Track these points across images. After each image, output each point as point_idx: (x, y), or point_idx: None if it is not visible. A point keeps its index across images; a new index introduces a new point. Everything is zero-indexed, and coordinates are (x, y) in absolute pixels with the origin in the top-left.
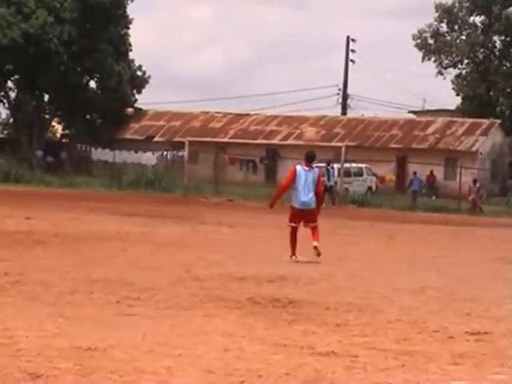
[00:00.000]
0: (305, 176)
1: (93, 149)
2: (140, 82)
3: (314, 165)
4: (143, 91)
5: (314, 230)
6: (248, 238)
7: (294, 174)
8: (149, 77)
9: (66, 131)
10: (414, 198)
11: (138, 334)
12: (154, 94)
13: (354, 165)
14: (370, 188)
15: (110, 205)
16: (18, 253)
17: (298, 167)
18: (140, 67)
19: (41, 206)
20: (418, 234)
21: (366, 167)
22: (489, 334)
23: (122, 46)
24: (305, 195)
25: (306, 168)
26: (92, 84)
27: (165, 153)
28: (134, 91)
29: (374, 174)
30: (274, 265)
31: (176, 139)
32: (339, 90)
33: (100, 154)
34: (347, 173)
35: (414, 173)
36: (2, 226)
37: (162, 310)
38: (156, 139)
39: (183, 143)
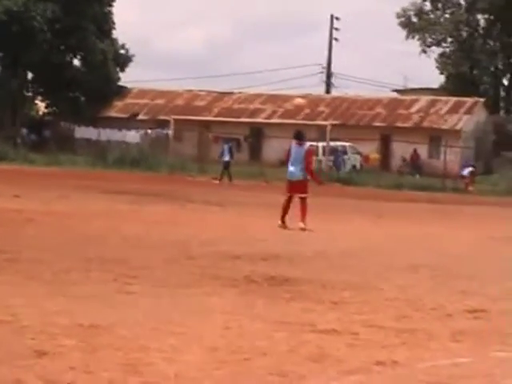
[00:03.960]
0: (295, 151)
1: (76, 127)
2: (124, 60)
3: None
4: (127, 69)
5: (302, 203)
6: (238, 216)
7: (289, 150)
8: (132, 55)
9: (50, 109)
10: None
11: (139, 312)
12: (137, 72)
13: (338, 143)
14: (354, 166)
15: (97, 183)
16: (10, 231)
17: (292, 144)
18: (123, 45)
19: (28, 184)
20: (406, 212)
21: (350, 146)
22: (486, 312)
23: (105, 24)
24: (292, 166)
25: (298, 145)
26: (76, 62)
27: (149, 131)
28: (118, 69)
29: (359, 153)
30: (266, 243)
31: (160, 117)
32: (323, 68)
33: (84, 131)
34: (332, 151)
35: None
36: None
37: (160, 288)
38: (140, 117)
39: (168, 121)
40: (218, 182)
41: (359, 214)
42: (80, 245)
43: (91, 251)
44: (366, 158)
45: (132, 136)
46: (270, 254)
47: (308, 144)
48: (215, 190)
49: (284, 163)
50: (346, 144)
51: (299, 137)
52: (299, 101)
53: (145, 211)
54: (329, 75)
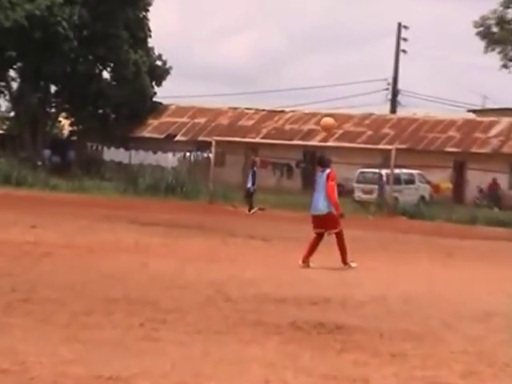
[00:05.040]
0: (317, 180)
1: (105, 148)
2: (160, 73)
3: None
4: (164, 83)
5: (338, 240)
6: (285, 252)
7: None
8: (170, 67)
9: (75, 128)
10: None
11: (166, 362)
12: (176, 87)
13: (404, 171)
14: (423, 197)
15: (126, 212)
16: (25, 266)
17: (318, 173)
18: (160, 56)
19: (47, 213)
20: (481, 251)
21: (418, 174)
22: None
23: (139, 32)
24: (315, 199)
25: (320, 172)
26: (105, 74)
27: (187, 154)
28: (153, 83)
29: (428, 182)
30: (316, 285)
31: (200, 138)
32: (388, 84)
33: (113, 154)
34: (397, 180)
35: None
36: (4, 236)
37: (192, 335)
38: (178, 138)
39: (209, 143)
40: (248, 212)
41: (426, 252)
42: (102, 283)
43: (115, 291)
44: (436, 188)
45: (168, 159)
46: (319, 297)
47: (329, 170)
48: (261, 222)
49: (339, 193)
50: (414, 172)
51: (321, 163)
52: (326, 121)
53: (178, 246)
54: (395, 92)
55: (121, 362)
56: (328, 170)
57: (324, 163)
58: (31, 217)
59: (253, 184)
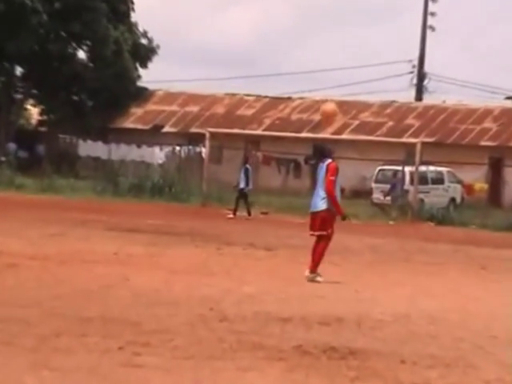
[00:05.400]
0: (318, 174)
1: (80, 141)
2: (145, 53)
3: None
4: (149, 65)
5: (318, 244)
6: (290, 263)
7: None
8: (157, 46)
9: (45, 117)
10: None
11: None
12: (163, 70)
13: (432, 168)
14: (453, 200)
15: (105, 217)
16: None
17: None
18: (145, 33)
19: (11, 217)
20: None
21: (448, 172)
22: None
23: (120, 4)
24: (313, 196)
25: (321, 164)
26: (81, 54)
27: (177, 148)
28: (137, 65)
29: (460, 182)
30: (326, 302)
31: (192, 130)
32: (413, 67)
33: (90, 148)
34: (423, 179)
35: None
36: None
37: (180, 361)
38: (166, 130)
39: (202, 135)
40: (232, 215)
41: (456, 263)
42: (76, 300)
43: (90, 309)
44: (468, 189)
45: (154, 155)
46: (330, 316)
47: (329, 160)
48: (264, 228)
49: (356, 194)
50: (443, 170)
51: (320, 153)
52: (326, 107)
53: (166, 256)
54: (421, 76)
55: None
56: (328, 161)
57: (323, 153)
58: None
59: (247, 184)
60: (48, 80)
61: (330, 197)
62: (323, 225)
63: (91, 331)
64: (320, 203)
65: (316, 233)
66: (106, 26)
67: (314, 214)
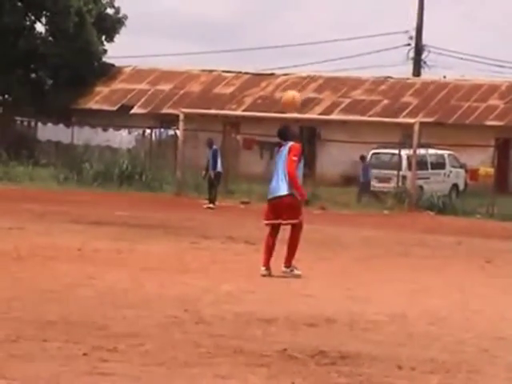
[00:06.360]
0: (278, 157)
1: (40, 124)
2: (111, 25)
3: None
4: (116, 38)
5: (292, 234)
6: (274, 259)
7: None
8: (124, 17)
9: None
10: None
11: None
12: (132, 44)
13: (431, 151)
14: (455, 186)
15: (67, 208)
16: None
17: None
18: (111, 2)
19: None
20: None
21: (449, 155)
22: None
23: None
24: (273, 180)
25: (281, 147)
26: (39, 27)
27: (148, 131)
28: (103, 38)
29: (462, 166)
30: (314, 301)
31: (165, 111)
32: (410, 38)
33: (50, 131)
34: (422, 163)
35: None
36: None
37: (152, 367)
38: (135, 110)
39: (176, 117)
40: (213, 206)
41: (459, 257)
42: (35, 302)
43: (51, 311)
44: (473, 174)
45: (122, 139)
46: (319, 316)
47: (291, 143)
48: (244, 219)
49: (348, 180)
50: (444, 152)
51: (282, 134)
52: (286, 96)
53: (136, 251)
54: (418, 49)
55: None
56: (290, 143)
57: (286, 135)
58: None
59: (213, 168)
60: (2, 56)
61: (291, 178)
62: (291, 212)
63: (52, 336)
64: (282, 187)
65: (287, 221)
66: None
67: (276, 200)
